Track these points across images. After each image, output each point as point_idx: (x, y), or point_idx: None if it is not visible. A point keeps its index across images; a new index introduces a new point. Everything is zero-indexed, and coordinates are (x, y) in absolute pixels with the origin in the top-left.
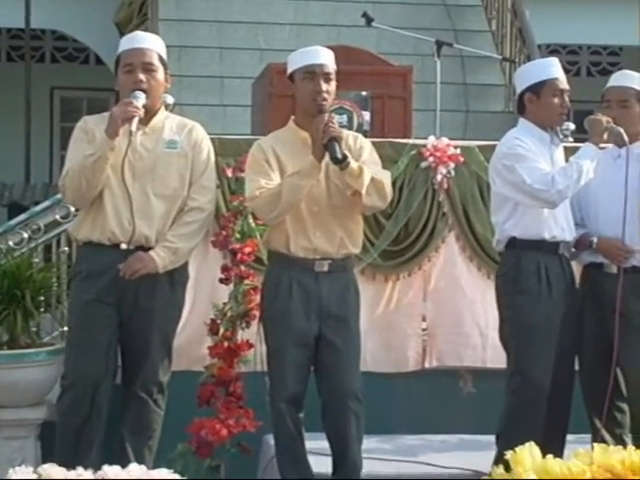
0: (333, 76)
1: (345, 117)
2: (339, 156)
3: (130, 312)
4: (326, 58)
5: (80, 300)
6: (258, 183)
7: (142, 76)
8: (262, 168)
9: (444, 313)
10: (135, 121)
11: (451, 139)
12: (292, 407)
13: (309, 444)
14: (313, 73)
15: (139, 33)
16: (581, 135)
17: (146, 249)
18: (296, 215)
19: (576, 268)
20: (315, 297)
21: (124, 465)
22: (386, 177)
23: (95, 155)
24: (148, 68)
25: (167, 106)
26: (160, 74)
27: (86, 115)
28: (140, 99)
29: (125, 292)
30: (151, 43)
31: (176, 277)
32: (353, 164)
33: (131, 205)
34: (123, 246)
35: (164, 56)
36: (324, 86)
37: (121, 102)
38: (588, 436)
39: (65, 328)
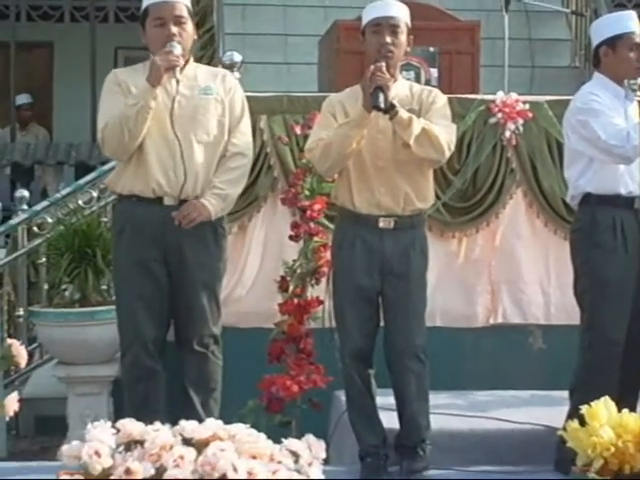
0: (402, 29)
1: (412, 73)
2: (381, 105)
3: (178, 267)
4: (395, 11)
5: (128, 259)
6: (319, 135)
7: (175, 29)
8: (327, 121)
9: (509, 270)
10: (178, 70)
11: (518, 95)
12: (359, 362)
13: (382, 400)
14: (379, 26)
15: None
16: None
17: (191, 199)
18: (361, 170)
19: None
20: (378, 254)
21: (194, 419)
22: (449, 131)
23: (138, 104)
24: (179, 21)
25: (235, 64)
26: (189, 26)
27: None
28: (177, 49)
29: (171, 247)
30: None
31: (219, 230)
32: (402, 114)
33: (175, 153)
34: (166, 201)
35: (190, 7)
36: (389, 38)
37: (162, 51)
38: None
39: None
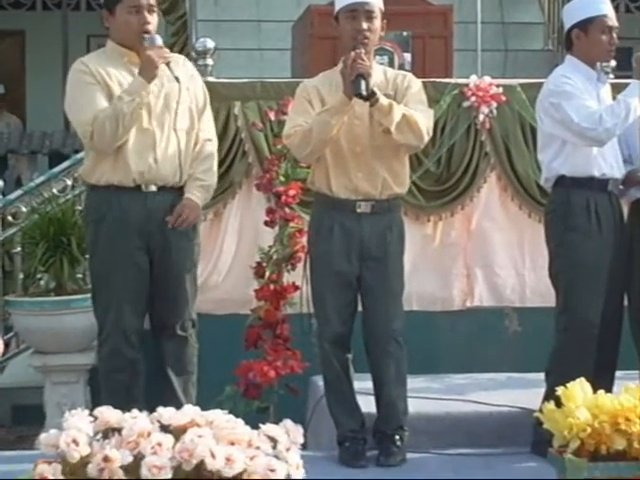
0: (377, 15)
1: (386, 58)
2: (363, 92)
3: (161, 254)
4: None
5: (111, 249)
6: (296, 122)
7: (150, 17)
8: (303, 107)
9: (484, 253)
10: (171, 64)
11: (491, 78)
12: (337, 347)
13: (360, 384)
14: (355, 11)
15: None
16: (620, 72)
17: (168, 188)
18: (338, 155)
19: (624, 205)
20: (356, 238)
21: (174, 403)
22: (428, 116)
23: (135, 101)
24: (152, 9)
25: (208, 51)
26: (157, 14)
27: None
28: (160, 41)
29: (155, 234)
30: None
31: None
32: (383, 100)
33: (153, 142)
34: (146, 189)
35: None
36: (365, 24)
37: (153, 47)
38: (636, 372)
39: None
